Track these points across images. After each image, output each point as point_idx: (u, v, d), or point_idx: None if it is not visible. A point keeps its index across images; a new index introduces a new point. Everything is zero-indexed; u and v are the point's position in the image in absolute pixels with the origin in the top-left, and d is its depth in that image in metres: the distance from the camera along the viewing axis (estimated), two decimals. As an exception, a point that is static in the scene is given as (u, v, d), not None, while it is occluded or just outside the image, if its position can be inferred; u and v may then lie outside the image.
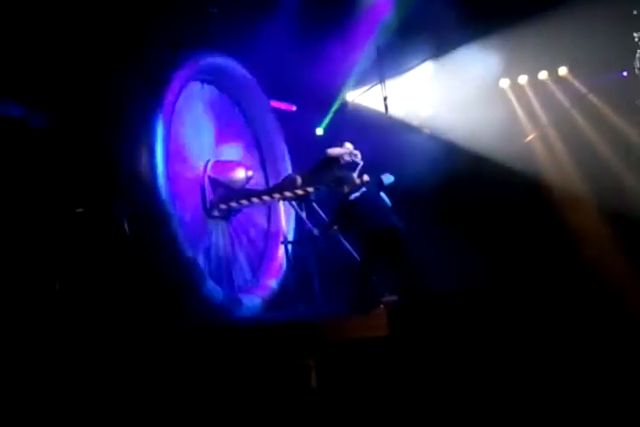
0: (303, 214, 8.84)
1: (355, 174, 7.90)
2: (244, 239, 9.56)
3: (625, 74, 10.46)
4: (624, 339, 5.94)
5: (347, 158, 8.18)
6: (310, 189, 8.63)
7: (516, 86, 11.36)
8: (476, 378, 5.71)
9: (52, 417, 5.18)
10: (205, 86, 9.25)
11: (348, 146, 8.28)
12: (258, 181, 9.75)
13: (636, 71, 9.94)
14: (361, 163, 8.12)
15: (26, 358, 5.65)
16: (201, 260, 8.43)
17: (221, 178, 8.92)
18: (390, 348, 5.95)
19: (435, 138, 11.10)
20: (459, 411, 5.37)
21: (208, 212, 8.85)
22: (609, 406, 4.92)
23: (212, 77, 9.21)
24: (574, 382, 5.35)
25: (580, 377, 5.41)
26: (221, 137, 9.43)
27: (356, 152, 8.25)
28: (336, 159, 8.28)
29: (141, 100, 7.77)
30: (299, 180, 8.73)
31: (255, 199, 8.97)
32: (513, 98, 11.38)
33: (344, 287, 7.89)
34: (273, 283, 9.44)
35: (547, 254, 10.00)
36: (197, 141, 8.97)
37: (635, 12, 9.62)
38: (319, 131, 9.76)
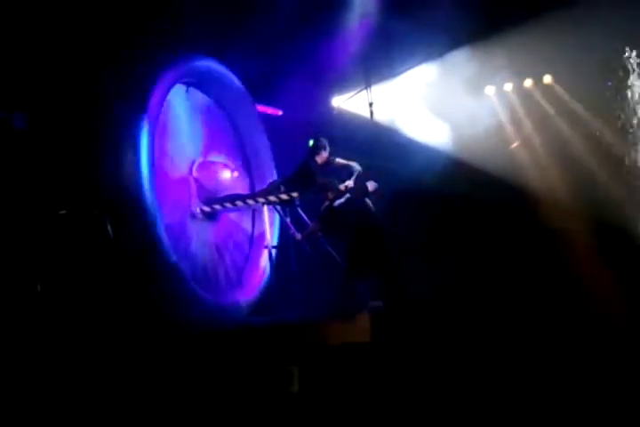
0: (287, 219, 8.83)
1: (351, 180, 7.86)
2: (228, 243, 9.53)
3: (609, 83, 10.55)
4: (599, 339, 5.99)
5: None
6: (295, 195, 8.62)
7: (501, 94, 11.44)
8: (459, 382, 5.73)
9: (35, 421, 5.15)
10: (190, 89, 9.22)
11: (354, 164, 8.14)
12: (243, 186, 9.73)
13: (629, 83, 10.03)
14: (359, 168, 8.10)
15: (6, 361, 5.61)
16: (184, 263, 8.38)
17: (207, 179, 8.88)
18: (372, 353, 5.96)
19: (419, 144, 11.14)
20: (441, 415, 5.39)
21: (192, 214, 8.82)
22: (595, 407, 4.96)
23: (197, 80, 9.17)
24: (555, 386, 5.38)
25: (563, 383, 5.44)
26: (206, 140, 9.39)
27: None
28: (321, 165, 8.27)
29: (127, 101, 7.72)
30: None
31: (240, 203, 8.95)
32: (498, 105, 11.45)
33: (327, 292, 7.89)
34: (256, 287, 9.41)
35: (530, 261, 10.05)
36: (182, 143, 8.92)
37: None
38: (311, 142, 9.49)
